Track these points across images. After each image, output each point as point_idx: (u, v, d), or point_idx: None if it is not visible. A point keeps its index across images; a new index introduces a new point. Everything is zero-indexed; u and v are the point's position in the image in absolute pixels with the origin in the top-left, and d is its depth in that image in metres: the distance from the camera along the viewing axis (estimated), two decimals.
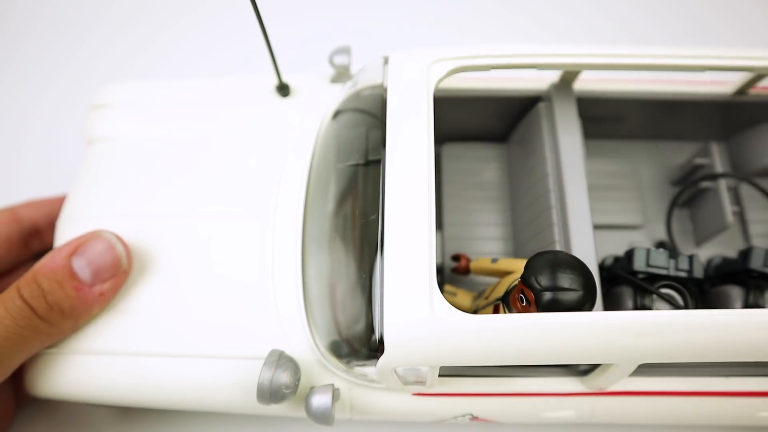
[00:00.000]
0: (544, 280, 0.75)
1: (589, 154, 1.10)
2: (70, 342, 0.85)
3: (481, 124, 1.09)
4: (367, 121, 0.91)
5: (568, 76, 0.94)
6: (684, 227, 1.06)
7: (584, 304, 0.73)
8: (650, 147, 1.12)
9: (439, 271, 1.04)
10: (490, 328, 0.70)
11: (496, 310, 0.86)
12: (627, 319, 0.70)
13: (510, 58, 0.85)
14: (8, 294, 0.78)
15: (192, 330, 0.86)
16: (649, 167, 1.11)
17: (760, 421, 0.87)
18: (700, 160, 1.01)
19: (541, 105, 0.97)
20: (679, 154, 1.10)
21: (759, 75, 0.93)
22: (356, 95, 0.92)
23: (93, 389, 0.85)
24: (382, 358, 0.73)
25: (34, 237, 1.00)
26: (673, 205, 1.03)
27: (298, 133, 0.98)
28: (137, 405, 0.86)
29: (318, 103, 0.99)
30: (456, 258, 0.96)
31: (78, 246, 0.84)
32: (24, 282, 0.80)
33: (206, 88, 1.03)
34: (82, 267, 0.82)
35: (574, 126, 0.92)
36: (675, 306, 0.82)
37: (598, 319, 0.70)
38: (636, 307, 0.85)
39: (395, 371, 0.76)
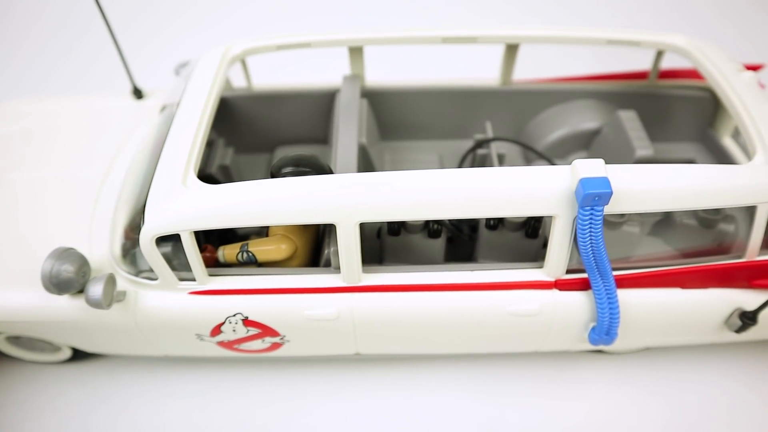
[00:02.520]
0: (285, 169, 0.92)
1: (403, 151, 1.30)
2: None
3: (309, 127, 1.30)
4: None
5: (356, 68, 1.18)
6: None
7: None
8: (452, 144, 1.32)
9: None
10: (228, 194, 0.85)
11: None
12: (336, 179, 0.84)
13: (290, 38, 1.11)
14: None
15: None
16: (450, 158, 1.30)
17: (510, 324, 0.93)
18: (479, 136, 1.20)
19: (337, 94, 1.20)
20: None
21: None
22: (179, 89, 1.17)
23: None
24: (143, 229, 0.87)
25: None
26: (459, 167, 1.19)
27: (142, 125, 1.20)
28: None
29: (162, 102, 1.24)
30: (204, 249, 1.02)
31: None
32: None
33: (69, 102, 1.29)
34: None
35: (355, 111, 1.12)
36: None
37: (312, 179, 0.84)
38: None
39: (158, 251, 0.88)
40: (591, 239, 0.83)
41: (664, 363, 1.12)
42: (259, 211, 0.85)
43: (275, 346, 1.00)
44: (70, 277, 0.90)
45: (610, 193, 0.79)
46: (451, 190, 0.83)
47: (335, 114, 1.14)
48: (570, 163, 0.83)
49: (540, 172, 0.84)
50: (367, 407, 1.08)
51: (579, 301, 0.93)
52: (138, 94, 1.25)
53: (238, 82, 1.25)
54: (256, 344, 1.00)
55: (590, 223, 0.82)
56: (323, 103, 1.25)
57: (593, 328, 0.94)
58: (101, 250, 0.98)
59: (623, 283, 0.93)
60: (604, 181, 0.79)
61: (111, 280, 0.91)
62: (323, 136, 1.31)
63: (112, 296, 0.90)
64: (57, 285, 0.90)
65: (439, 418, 1.06)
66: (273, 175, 0.93)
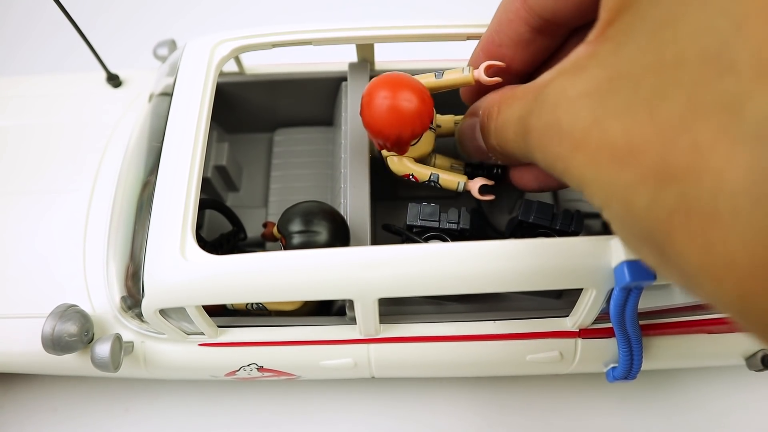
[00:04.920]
0: (293, 227, 0.83)
1: None
2: None
3: (310, 110, 1.17)
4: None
5: (365, 53, 1.03)
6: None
7: (331, 245, 0.80)
8: None
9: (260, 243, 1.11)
10: (235, 268, 0.77)
11: None
12: (354, 253, 0.76)
13: (289, 35, 0.94)
14: None
15: (6, 293, 0.94)
16: None
17: (529, 365, 0.92)
18: None
19: (344, 84, 1.05)
20: None
21: None
22: (167, 78, 1.02)
23: None
24: (144, 301, 0.80)
25: None
26: None
27: (124, 118, 1.07)
28: None
29: (145, 91, 1.09)
30: (265, 225, 1.03)
31: None
32: None
33: (48, 83, 1.13)
34: None
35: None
36: None
37: (328, 254, 0.76)
38: None
39: (162, 316, 0.82)
40: (624, 314, 0.79)
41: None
42: (270, 287, 0.77)
43: (291, 377, 0.99)
44: (72, 340, 0.85)
45: (654, 280, 0.73)
46: (478, 265, 0.76)
47: (342, 119, 1.02)
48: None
49: (576, 246, 0.76)
50: (371, 422, 1.09)
51: (602, 346, 0.91)
52: (115, 81, 1.09)
53: (230, 65, 1.09)
54: (272, 377, 0.98)
55: (626, 303, 0.77)
56: (327, 86, 1.11)
57: (613, 368, 0.93)
58: (101, 298, 0.92)
59: (649, 331, 0.90)
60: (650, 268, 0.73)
61: (117, 342, 0.86)
62: (328, 118, 1.18)
63: (120, 359, 0.87)
64: (59, 348, 0.86)
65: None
66: (280, 231, 0.85)
